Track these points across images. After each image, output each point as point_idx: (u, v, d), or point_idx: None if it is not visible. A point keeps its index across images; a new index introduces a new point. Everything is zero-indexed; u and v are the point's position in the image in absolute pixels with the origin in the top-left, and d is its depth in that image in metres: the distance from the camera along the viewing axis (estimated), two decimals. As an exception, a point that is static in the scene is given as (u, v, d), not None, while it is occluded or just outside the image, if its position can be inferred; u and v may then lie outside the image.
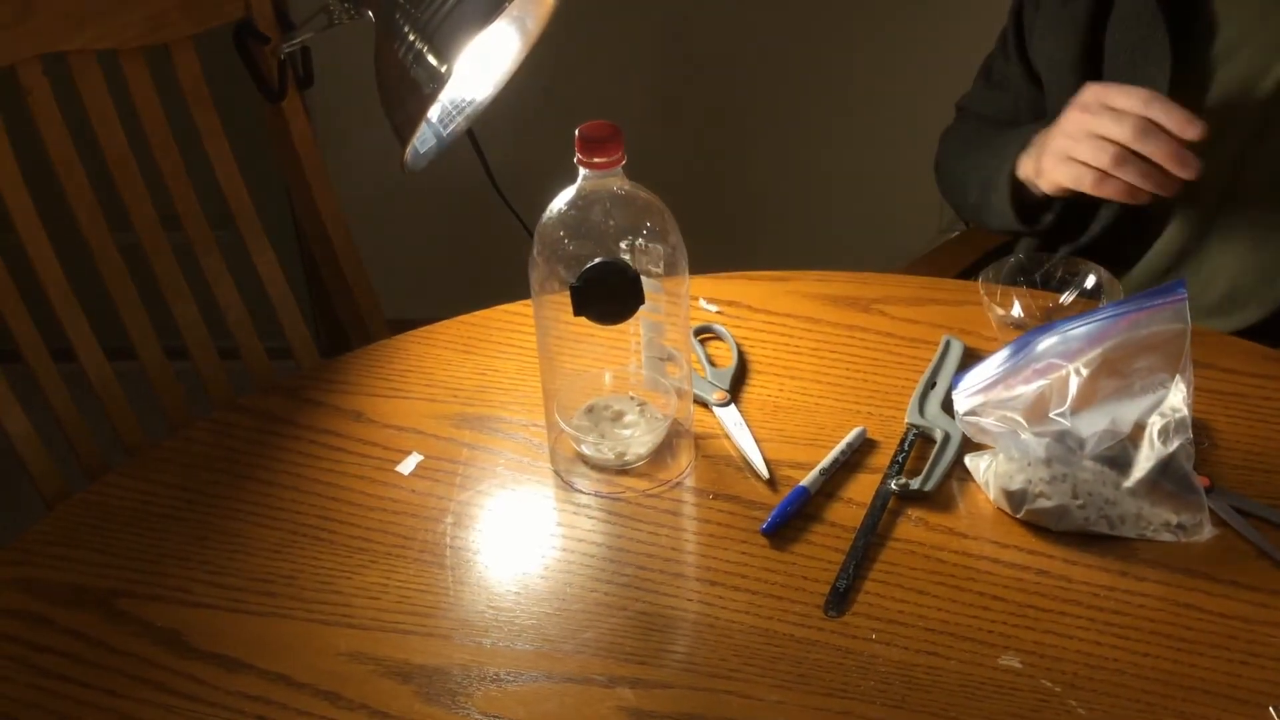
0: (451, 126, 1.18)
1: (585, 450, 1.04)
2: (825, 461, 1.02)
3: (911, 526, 0.98)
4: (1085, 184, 1.16)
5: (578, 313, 0.95)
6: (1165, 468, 0.94)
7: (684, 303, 1.01)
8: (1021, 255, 1.19)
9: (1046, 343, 0.98)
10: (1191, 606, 0.90)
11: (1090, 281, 1.16)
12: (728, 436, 1.07)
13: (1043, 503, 0.95)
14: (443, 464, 1.06)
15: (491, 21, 1.01)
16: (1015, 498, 0.96)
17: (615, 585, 0.94)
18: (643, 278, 0.95)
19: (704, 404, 1.10)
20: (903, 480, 1.00)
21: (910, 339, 1.17)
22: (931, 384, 1.10)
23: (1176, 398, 0.95)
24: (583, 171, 0.95)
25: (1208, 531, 0.94)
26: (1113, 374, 0.96)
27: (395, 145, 1.10)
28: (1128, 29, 1.23)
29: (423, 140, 1.15)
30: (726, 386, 1.11)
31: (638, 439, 1.04)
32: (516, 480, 1.05)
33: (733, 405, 1.10)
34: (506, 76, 1.17)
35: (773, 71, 2.28)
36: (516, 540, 0.99)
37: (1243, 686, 0.84)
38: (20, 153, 1.20)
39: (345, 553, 0.98)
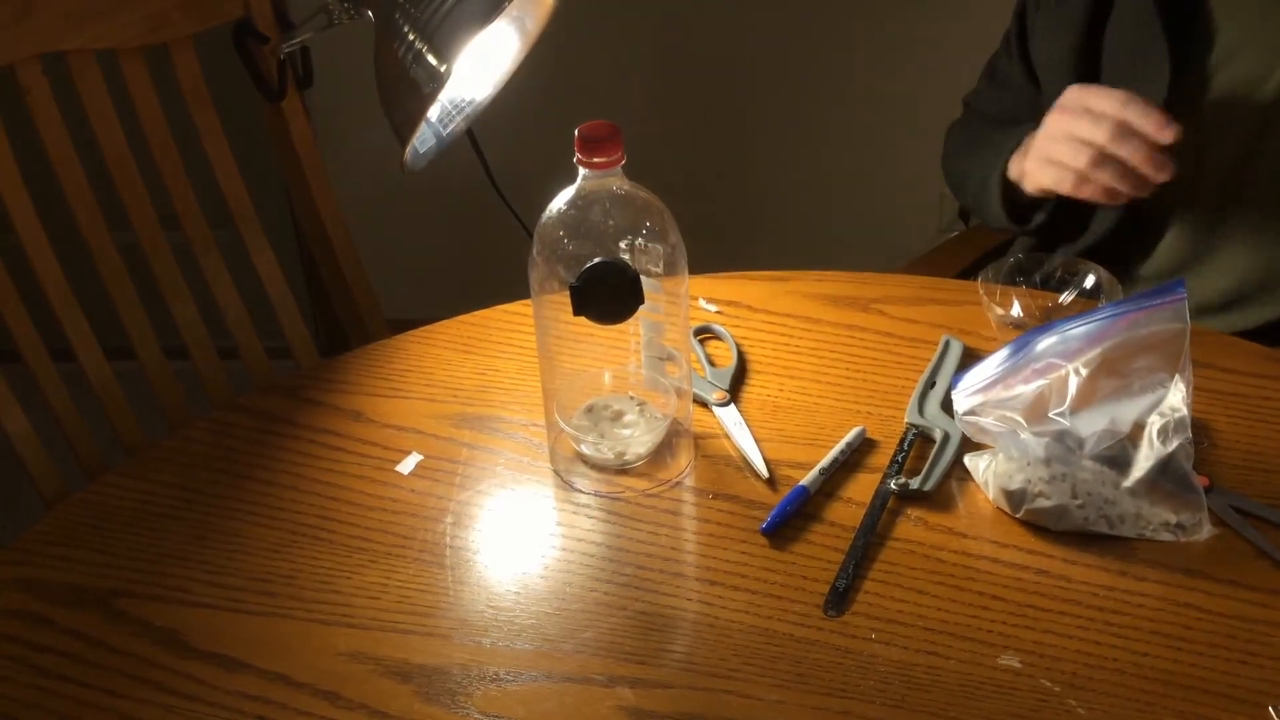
0: (451, 126, 1.18)
1: (585, 450, 1.04)
2: (825, 461, 1.02)
3: (911, 526, 0.98)
4: (1065, 185, 1.17)
5: (577, 312, 0.95)
6: (1164, 467, 0.94)
7: (683, 302, 1.01)
8: (1021, 255, 1.19)
9: (1046, 342, 0.99)
10: (1191, 606, 0.90)
11: (1090, 281, 1.16)
12: (727, 436, 1.07)
13: (1042, 502, 0.95)
14: (442, 464, 1.06)
15: (491, 21, 1.01)
16: (1015, 497, 0.96)
17: (615, 585, 0.94)
18: (642, 277, 0.95)
19: (703, 404, 1.10)
20: (902, 480, 1.00)
21: (910, 339, 1.17)
22: (931, 384, 1.10)
23: (1176, 397, 0.95)
24: (582, 171, 0.95)
25: (1207, 531, 0.94)
26: (1112, 374, 0.96)
27: (395, 145, 1.10)
28: (1126, 30, 1.23)
29: (422, 140, 1.15)
30: (726, 386, 1.11)
31: (637, 439, 1.04)
32: (516, 480, 1.05)
33: (732, 405, 1.10)
34: (506, 76, 1.17)
35: (772, 71, 2.28)
36: (516, 540, 0.99)
37: (1242, 686, 0.84)
38: (19, 152, 1.20)
39: (345, 552, 0.98)
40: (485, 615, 0.92)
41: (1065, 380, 0.97)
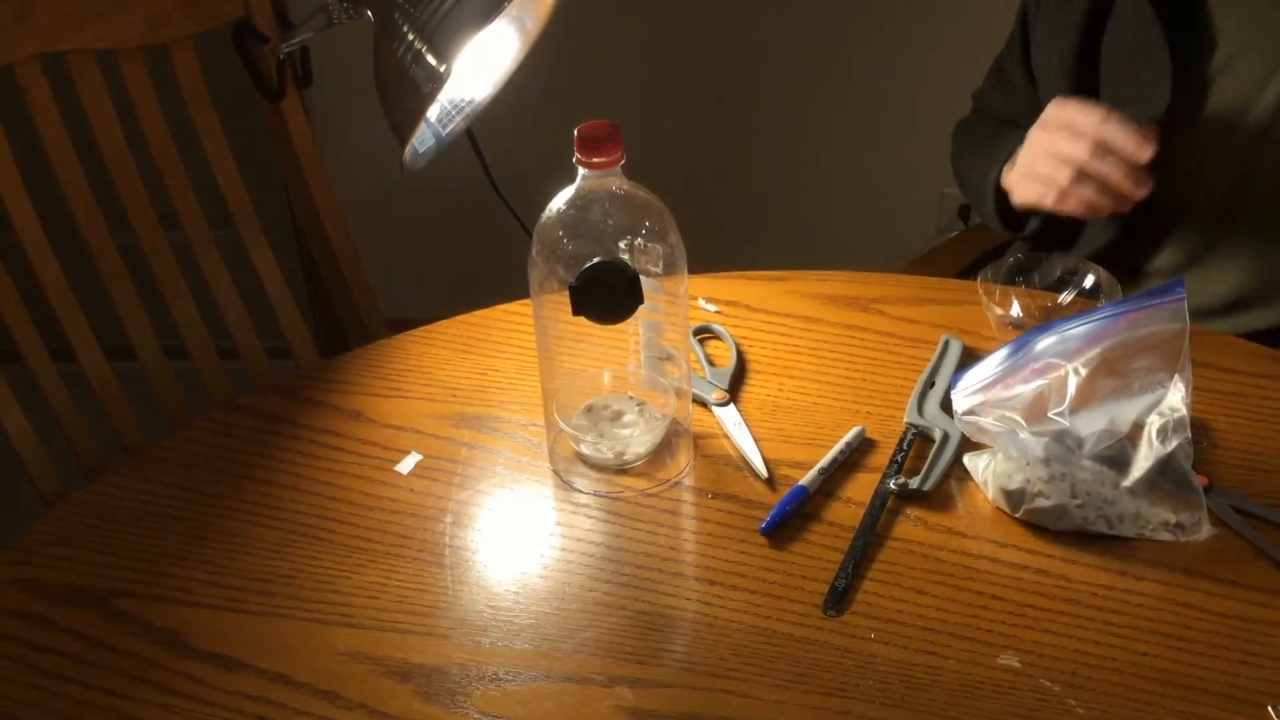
0: (450, 126, 1.18)
1: (584, 450, 1.04)
2: (824, 461, 1.02)
3: (910, 526, 0.98)
4: (1048, 200, 1.19)
5: (577, 312, 0.95)
6: (1164, 467, 0.94)
7: (683, 302, 1.01)
8: (1020, 255, 1.19)
9: (1045, 342, 0.99)
10: (1190, 606, 0.90)
11: (1089, 281, 1.16)
12: (727, 436, 1.07)
13: (1041, 502, 0.95)
14: (442, 463, 1.06)
15: (490, 21, 1.01)
16: (1014, 497, 0.96)
17: (614, 585, 0.94)
18: (641, 277, 0.95)
19: (703, 403, 1.10)
20: (901, 480, 1.00)
21: (909, 338, 1.17)
22: (930, 383, 1.10)
23: (1175, 397, 0.95)
24: (582, 171, 0.95)
25: (1206, 531, 0.94)
26: (1111, 373, 0.96)
27: (394, 145, 1.10)
28: (1126, 34, 1.23)
29: (421, 140, 1.15)
30: (725, 386, 1.11)
31: (637, 438, 1.04)
32: (515, 480, 1.05)
33: (732, 405, 1.10)
34: (505, 76, 1.17)
35: (772, 71, 2.28)
36: (515, 540, 0.99)
37: (1241, 686, 0.84)
38: (19, 152, 1.20)
39: (344, 552, 0.98)
40: (484, 615, 0.92)
41: (1064, 380, 0.97)
